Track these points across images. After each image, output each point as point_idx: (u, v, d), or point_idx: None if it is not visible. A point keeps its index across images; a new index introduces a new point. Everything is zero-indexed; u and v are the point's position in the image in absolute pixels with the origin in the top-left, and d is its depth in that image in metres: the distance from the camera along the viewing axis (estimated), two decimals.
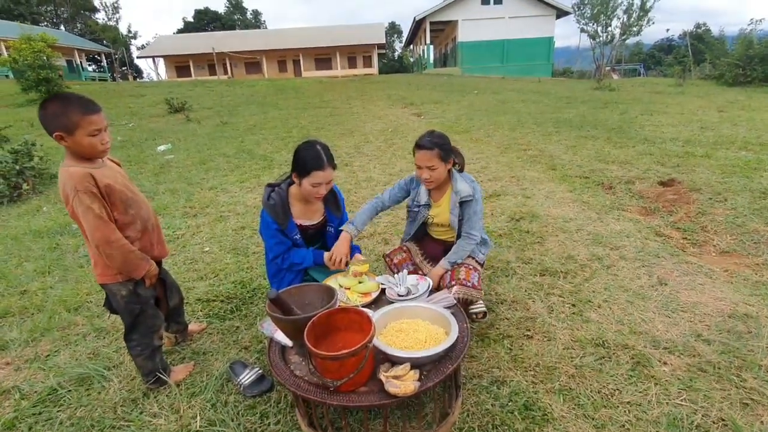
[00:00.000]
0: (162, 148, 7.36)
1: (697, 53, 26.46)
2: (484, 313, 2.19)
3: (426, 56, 27.77)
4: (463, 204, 2.09)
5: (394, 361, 1.38)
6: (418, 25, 27.22)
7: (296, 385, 1.34)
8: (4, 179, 4.88)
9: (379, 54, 34.52)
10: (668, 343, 1.94)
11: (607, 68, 24.69)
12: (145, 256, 1.62)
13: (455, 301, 1.74)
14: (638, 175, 4.48)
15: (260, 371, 1.78)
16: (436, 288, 2.07)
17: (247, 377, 1.75)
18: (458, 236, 2.17)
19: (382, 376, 1.29)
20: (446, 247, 2.22)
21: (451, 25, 25.47)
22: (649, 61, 40.23)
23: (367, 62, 32.42)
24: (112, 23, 41.20)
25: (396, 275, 1.93)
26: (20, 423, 1.66)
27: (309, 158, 1.88)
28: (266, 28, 53.87)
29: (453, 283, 2.02)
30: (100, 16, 43.14)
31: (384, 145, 6.78)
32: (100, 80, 28.99)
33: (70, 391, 1.82)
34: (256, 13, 56.30)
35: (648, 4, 23.39)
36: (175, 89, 15.91)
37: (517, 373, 1.79)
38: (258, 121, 9.68)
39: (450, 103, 11.30)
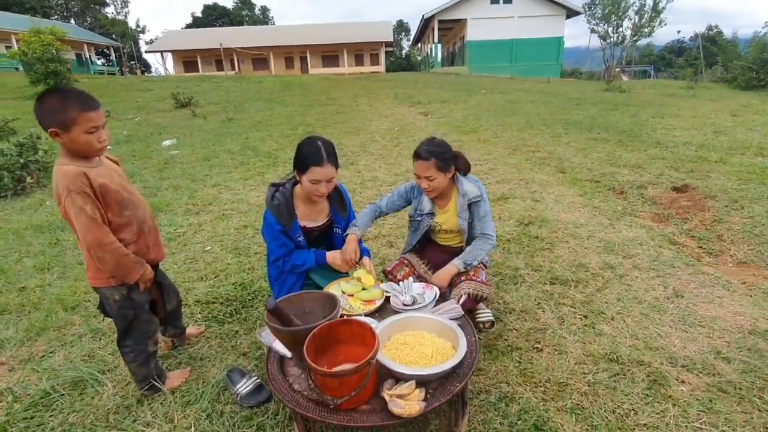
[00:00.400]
0: (167, 143, 7.33)
1: (709, 56, 26.10)
2: (492, 323, 2.11)
3: (434, 55, 27.61)
4: (472, 205, 2.03)
5: (399, 378, 1.30)
6: (426, 24, 27.05)
7: (294, 401, 1.26)
8: (8, 172, 4.85)
9: (386, 52, 34.38)
10: (686, 360, 1.84)
11: (617, 69, 24.40)
12: (139, 260, 1.55)
13: (463, 313, 1.66)
14: (651, 179, 4.36)
15: (258, 380, 1.71)
16: (444, 289, 2.00)
17: (244, 386, 1.68)
18: (467, 240, 2.10)
19: (385, 394, 1.22)
20: (452, 253, 2.13)
21: (460, 23, 25.29)
22: (659, 63, 39.81)
23: (375, 60, 32.29)
24: (121, 17, 41.39)
25: (401, 283, 1.85)
26: (11, 427, 1.60)
27: (308, 153, 1.80)
28: (274, 24, 53.86)
29: (462, 278, 1.99)
30: (110, 10, 43.35)
31: (390, 144, 6.69)
32: (108, 74, 29.12)
33: (63, 395, 1.77)
34: (264, 9, 56.31)
35: (660, 5, 23.05)
36: (182, 84, 15.89)
37: (526, 389, 1.71)
38: (263, 118, 9.63)
39: (457, 102, 11.18)
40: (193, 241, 3.38)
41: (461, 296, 1.91)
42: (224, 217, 3.86)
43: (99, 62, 35.19)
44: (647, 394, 1.67)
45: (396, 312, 1.71)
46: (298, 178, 1.88)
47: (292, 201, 1.95)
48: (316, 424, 1.41)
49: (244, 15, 51.75)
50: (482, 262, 2.10)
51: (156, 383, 1.71)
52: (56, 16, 39.64)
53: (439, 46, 28.62)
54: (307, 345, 1.23)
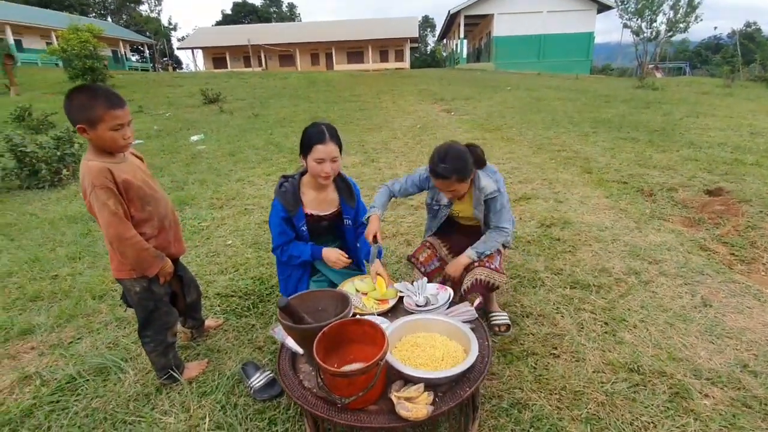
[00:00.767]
0: (195, 138, 7.53)
1: (747, 53, 24.75)
2: (508, 326, 2.08)
3: (459, 51, 27.27)
4: (488, 201, 1.99)
5: (408, 380, 1.30)
6: (452, 19, 26.73)
7: (303, 398, 1.28)
8: (46, 164, 5.10)
9: (411, 48, 34.20)
10: (711, 372, 1.76)
11: (650, 66, 23.45)
12: (159, 254, 1.60)
13: (477, 316, 1.64)
14: (682, 182, 4.18)
15: (272, 375, 1.74)
16: (458, 279, 2.02)
17: (258, 380, 1.71)
18: (484, 228, 2.08)
19: (393, 396, 1.22)
20: (473, 235, 2.10)
21: (487, 19, 24.84)
22: (695, 59, 38.09)
23: (399, 56, 32.17)
24: (154, 15, 42.67)
25: (415, 283, 1.84)
26: (38, 410, 1.68)
27: (312, 134, 1.88)
28: (301, 20, 54.38)
29: (476, 264, 1.99)
30: (144, 8, 44.77)
31: (412, 141, 6.66)
32: (142, 70, 30.12)
33: (87, 380, 1.85)
34: (291, 6, 56.91)
35: (696, 0, 22.01)
36: (211, 80, 16.29)
37: (540, 396, 1.67)
38: (288, 114, 9.76)
39: (482, 99, 11.00)
40: (215, 235, 3.46)
41: (470, 282, 1.94)
42: (246, 212, 3.94)
43: (133, 59, 36.46)
44: (668, 407, 1.61)
45: (409, 312, 1.70)
46: (304, 163, 1.93)
47: (299, 189, 2.01)
48: (325, 422, 1.42)
49: (272, 12, 52.49)
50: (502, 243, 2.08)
51: (174, 373, 1.76)
52: (94, 14, 41.28)
53: (465, 41, 28.22)
54: (317, 343, 1.24)
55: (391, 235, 3.32)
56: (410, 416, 1.15)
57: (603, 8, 23.83)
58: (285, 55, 31.84)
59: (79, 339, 2.17)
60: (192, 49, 33.19)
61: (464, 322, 1.57)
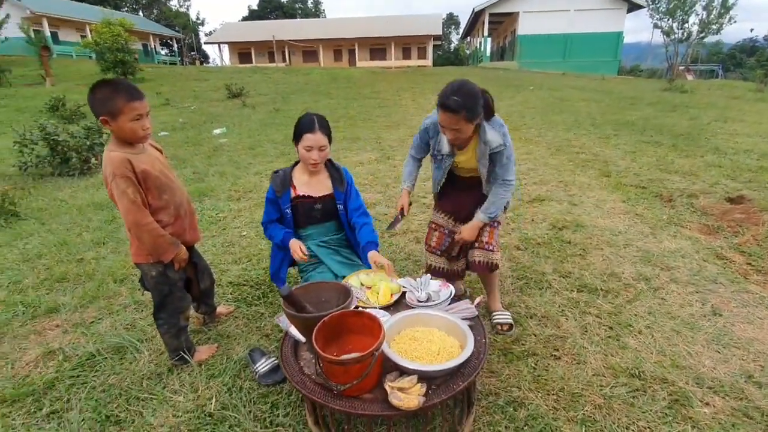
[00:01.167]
0: (217, 131, 7.72)
1: None
2: (510, 326, 2.10)
3: (482, 49, 26.94)
4: (493, 154, 1.92)
5: (403, 371, 1.34)
6: (476, 17, 26.41)
7: (302, 384, 1.34)
8: (76, 153, 5.34)
9: (434, 46, 33.98)
10: (714, 381, 1.74)
11: (681, 68, 22.65)
12: (175, 241, 1.69)
13: (477, 313, 1.67)
14: (703, 188, 4.07)
15: (276, 361, 1.81)
16: (471, 243, 2.07)
17: (263, 366, 1.79)
18: (487, 183, 2.04)
19: (387, 385, 1.26)
20: (473, 190, 2.09)
21: (512, 17, 24.46)
22: (728, 62, 36.57)
23: (422, 54, 32.01)
24: (183, 10, 43.66)
25: (418, 279, 1.88)
26: (59, 383, 1.80)
27: (303, 123, 2.03)
28: (325, 16, 54.70)
29: (475, 244, 2.05)
30: (174, 3, 45.85)
31: None
32: (170, 64, 30.91)
33: (106, 358, 1.96)
34: (317, 2, 57.25)
35: (730, 1, 21.09)
36: (235, 75, 16.61)
37: (537, 396, 1.69)
38: (308, 110, 9.86)
39: (503, 99, 10.89)
40: (231, 226, 3.57)
41: (470, 262, 2.06)
42: (262, 205, 4.01)
43: (162, 53, 37.42)
44: (666, 414, 1.60)
45: (410, 307, 1.74)
46: (296, 150, 2.07)
47: (290, 174, 2.17)
48: (323, 408, 1.48)
49: (297, 8, 52.95)
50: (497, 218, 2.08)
51: (185, 355, 1.85)
52: (126, 8, 42.50)
53: (489, 40, 27.86)
54: (316, 332, 1.30)
55: (402, 232, 3.35)
56: (401, 405, 1.19)
57: (633, 7, 23.12)
58: (308, 51, 32.11)
59: (99, 319, 2.29)
60: (218, 43, 33.83)
61: (464, 319, 1.60)
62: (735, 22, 21.74)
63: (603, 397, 1.68)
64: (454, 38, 58.64)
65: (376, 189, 4.38)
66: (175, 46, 38.54)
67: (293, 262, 2.23)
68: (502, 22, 27.23)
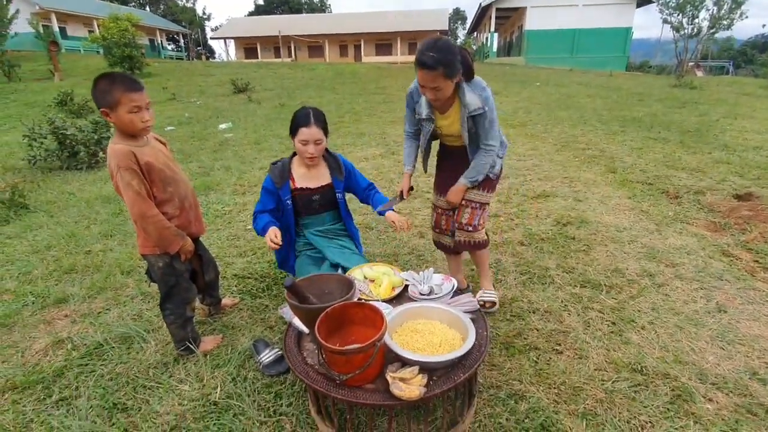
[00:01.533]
0: (223, 126, 7.76)
1: None
2: (494, 303, 2.16)
3: (489, 45, 26.75)
4: (474, 117, 1.87)
5: (405, 362, 1.35)
6: (483, 12, 26.23)
7: (305, 373, 1.36)
8: (84, 147, 5.40)
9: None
10: (717, 378, 1.74)
11: (691, 64, 22.33)
12: (180, 233, 1.71)
13: (478, 307, 1.68)
14: (711, 185, 4.04)
15: (280, 352, 1.83)
16: (453, 205, 2.12)
17: (267, 356, 1.81)
18: (470, 148, 2.00)
19: (388, 376, 1.28)
20: (463, 161, 2.06)
21: (519, 12, 24.27)
22: (739, 58, 35.98)
23: None
24: (189, 5, 43.73)
25: (421, 273, 1.89)
26: (68, 372, 1.84)
27: (299, 117, 2.05)
28: (331, 11, 54.52)
29: (455, 225, 2.11)
30: None
31: None
32: (177, 59, 31.01)
33: (113, 347, 1.99)
34: None
35: None
36: (241, 70, 16.65)
37: (539, 389, 1.70)
38: (313, 105, 9.85)
39: (509, 94, 10.82)
40: (236, 220, 3.60)
41: (455, 242, 2.13)
42: None
43: (169, 48, 37.56)
44: (668, 409, 1.60)
45: (413, 300, 1.75)
46: (293, 143, 2.10)
47: (289, 166, 2.19)
48: (326, 398, 1.50)
49: (303, 3, 52.79)
50: (491, 177, 2.07)
51: (191, 346, 1.88)
52: (133, 3, 42.65)
53: (496, 35, 27.65)
54: (319, 322, 1.32)
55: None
56: (403, 395, 1.21)
57: (642, 2, 22.86)
58: (314, 46, 32.08)
59: (107, 310, 2.33)
60: (224, 39, 33.89)
61: (465, 312, 1.61)
62: (746, 17, 21.36)
63: (604, 392, 1.69)
64: (461, 33, 58.26)
65: (381, 184, 4.38)
66: (182, 41, 38.65)
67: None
68: (509, 17, 27.01)
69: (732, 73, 26.39)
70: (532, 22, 23.15)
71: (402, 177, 2.30)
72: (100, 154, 5.51)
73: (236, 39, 33.46)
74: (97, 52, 19.78)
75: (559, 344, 1.97)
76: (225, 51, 35.09)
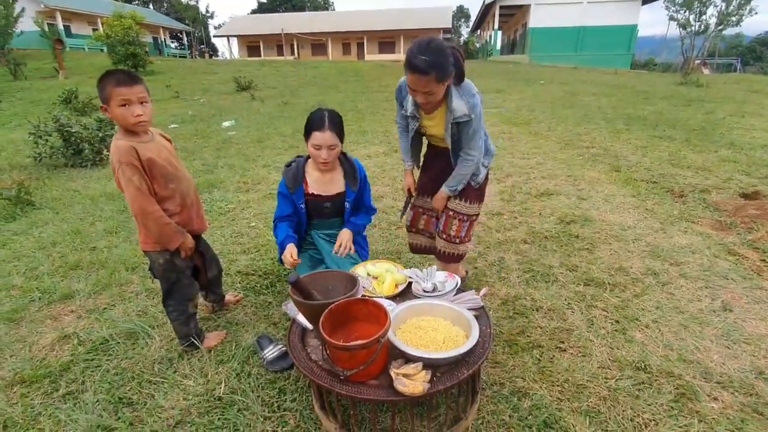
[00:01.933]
0: (226, 124, 7.78)
1: None
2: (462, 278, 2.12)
3: (492, 42, 26.65)
4: (459, 124, 1.81)
5: (408, 359, 1.36)
6: (487, 9, 26.13)
7: (309, 369, 1.36)
8: (89, 144, 5.42)
9: (444, 39, 33.66)
10: (722, 377, 1.73)
11: (697, 61, 22.15)
12: (180, 230, 1.72)
13: (482, 304, 1.68)
14: (716, 183, 4.01)
15: (284, 348, 1.84)
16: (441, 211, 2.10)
17: (271, 352, 1.82)
18: (453, 153, 1.95)
19: (392, 372, 1.28)
20: (449, 163, 2.02)
21: (523, 9, 24.15)
22: (748, 55, 35.63)
23: None
24: (192, 3, 43.79)
25: (424, 270, 1.89)
26: (74, 366, 1.86)
27: (313, 120, 1.96)
28: (334, 9, 54.45)
29: (443, 236, 2.07)
30: None
31: None
32: (180, 57, 31.08)
33: (118, 343, 2.01)
34: None
35: None
36: (244, 68, 16.67)
37: (542, 387, 1.70)
38: (317, 103, 9.88)
39: (512, 92, 10.78)
40: (240, 217, 3.61)
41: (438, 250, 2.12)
42: (270, 197, 4.07)
43: (172, 46, 37.64)
44: (672, 407, 1.60)
45: (416, 297, 1.76)
46: (306, 145, 2.02)
47: (303, 168, 2.12)
48: (330, 393, 1.50)
49: (306, 1, 52.76)
50: (474, 187, 2.03)
51: (195, 341, 1.89)
52: (136, 1, 42.74)
53: (499, 33, 27.55)
54: (323, 318, 1.32)
55: (402, 224, 3.35)
56: (406, 391, 1.21)
57: None
58: (317, 44, 32.07)
59: (112, 306, 2.35)
60: (227, 37, 33.93)
61: (469, 309, 1.61)
62: (756, 13, 21.17)
63: (608, 389, 1.68)
64: (464, 31, 58.06)
65: (384, 182, 4.38)
66: (185, 39, 38.73)
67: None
68: (513, 15, 26.88)
69: (740, 70, 26.13)
70: (536, 19, 23.03)
71: (404, 175, 2.29)
72: (105, 151, 5.53)
73: (239, 37, 33.49)
74: (101, 50, 19.84)
75: (563, 342, 1.97)
76: (228, 49, 35.04)
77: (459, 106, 1.76)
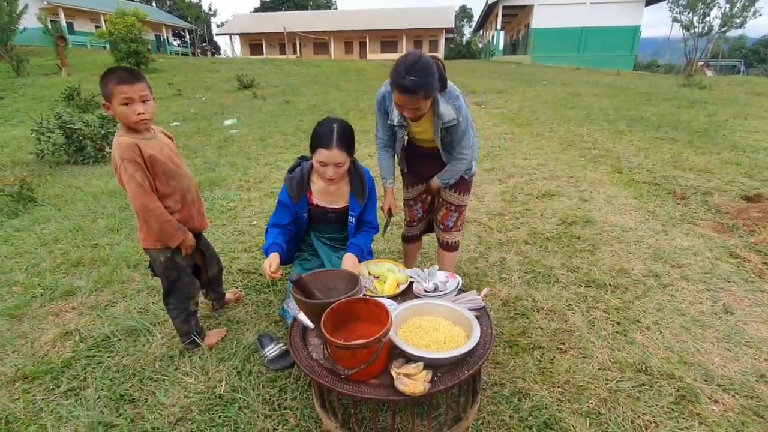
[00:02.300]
0: (228, 122, 7.78)
1: None
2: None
3: (495, 43, 26.63)
4: (448, 128, 1.85)
5: (409, 358, 1.36)
6: (489, 9, 26.11)
7: (310, 368, 1.37)
8: (91, 141, 5.43)
9: (446, 39, 33.67)
10: (723, 379, 1.73)
11: (701, 63, 22.10)
12: (181, 227, 1.72)
13: (483, 305, 1.68)
14: (719, 186, 4.01)
15: (285, 347, 1.85)
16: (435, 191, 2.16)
17: (271, 351, 1.82)
18: (444, 154, 1.98)
19: (393, 371, 1.28)
20: (435, 161, 2.04)
21: (526, 9, 24.12)
22: (751, 57, 35.53)
23: (434, 47, 31.75)
24: (195, 1, 43.79)
25: (426, 270, 1.89)
26: (76, 363, 1.86)
27: (319, 134, 1.81)
28: (336, 8, 54.42)
29: (441, 226, 2.19)
30: None
31: None
32: (182, 55, 31.09)
33: (120, 340, 2.01)
34: None
35: None
36: (246, 66, 16.65)
37: (542, 388, 1.70)
38: (318, 102, 9.89)
39: (515, 93, 10.77)
40: (242, 215, 3.61)
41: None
42: (272, 195, 4.08)
43: (175, 43, 37.65)
44: (673, 409, 1.60)
45: (417, 297, 1.76)
46: (311, 156, 1.89)
47: (308, 177, 1.97)
48: (330, 393, 1.50)
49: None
50: (464, 178, 2.08)
51: (196, 339, 1.90)
52: None
53: (502, 33, 27.52)
54: (324, 318, 1.32)
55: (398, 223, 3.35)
56: (407, 391, 1.21)
57: (652, 0, 22.62)
58: (319, 43, 32.06)
59: (114, 303, 2.35)
60: (230, 35, 33.94)
61: (470, 309, 1.61)
62: (760, 15, 21.12)
63: (608, 391, 1.68)
64: (467, 31, 58.00)
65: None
66: (188, 37, 38.75)
67: (300, 248, 2.22)
68: (516, 15, 26.85)
69: (744, 72, 26.07)
70: (539, 20, 22.99)
71: (385, 194, 2.21)
72: (107, 148, 5.54)
73: (241, 35, 33.50)
74: (104, 47, 19.86)
75: (564, 343, 1.97)
76: (230, 47, 35.06)
77: (447, 111, 1.79)
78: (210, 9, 48.62)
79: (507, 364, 1.83)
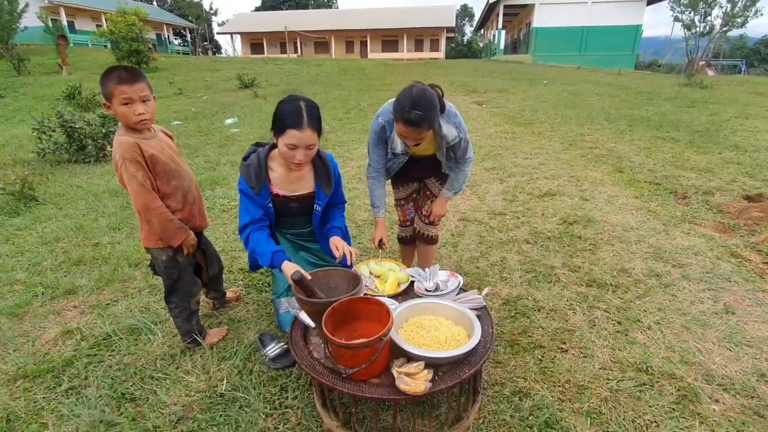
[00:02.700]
0: (229, 121, 7.78)
1: None
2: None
3: (496, 42, 26.59)
4: (453, 146, 1.94)
5: (410, 358, 1.36)
6: (491, 9, 26.08)
7: (311, 367, 1.37)
8: (92, 140, 5.43)
9: (447, 38, 33.64)
10: (724, 379, 1.73)
11: (702, 63, 22.06)
12: (183, 226, 1.72)
13: (484, 304, 1.68)
14: (720, 185, 4.00)
15: (286, 346, 1.85)
16: (428, 214, 2.22)
17: (272, 350, 1.82)
18: (446, 162, 2.04)
19: (394, 370, 1.28)
20: (429, 165, 2.08)
21: (527, 9, 24.08)
22: (753, 57, 35.47)
23: (435, 46, 31.73)
24: (196, 0, 43.79)
25: (427, 269, 1.89)
26: (77, 361, 1.87)
27: (286, 113, 1.61)
28: (337, 7, 54.38)
29: (423, 217, 2.23)
30: None
31: None
32: (183, 54, 31.09)
33: (121, 338, 2.02)
34: None
35: None
36: (247, 66, 16.67)
37: (543, 387, 1.70)
38: (319, 101, 9.70)
39: (516, 92, 10.77)
40: None
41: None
42: None
43: (176, 42, 37.65)
44: (673, 409, 1.60)
45: (418, 296, 1.76)
46: (275, 141, 1.70)
47: (266, 164, 1.77)
48: (331, 392, 1.51)
49: None
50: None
51: (197, 338, 1.90)
52: None
53: (503, 32, 27.49)
54: (326, 317, 1.32)
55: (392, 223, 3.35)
56: (408, 390, 1.21)
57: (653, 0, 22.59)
58: (320, 42, 32.05)
59: (115, 301, 2.35)
60: (231, 34, 33.94)
61: (471, 309, 1.61)
62: (761, 14, 21.08)
63: (609, 390, 1.68)
64: (468, 30, 57.96)
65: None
66: (189, 36, 38.74)
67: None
68: (517, 14, 26.81)
69: (745, 72, 26.01)
70: (540, 19, 22.96)
71: (375, 225, 2.20)
72: (108, 147, 5.54)
73: (242, 34, 33.49)
74: (105, 46, 19.87)
75: (564, 343, 1.97)
76: (231, 46, 35.09)
77: (449, 131, 1.87)
78: (211, 8, 48.55)
79: (508, 363, 1.83)
